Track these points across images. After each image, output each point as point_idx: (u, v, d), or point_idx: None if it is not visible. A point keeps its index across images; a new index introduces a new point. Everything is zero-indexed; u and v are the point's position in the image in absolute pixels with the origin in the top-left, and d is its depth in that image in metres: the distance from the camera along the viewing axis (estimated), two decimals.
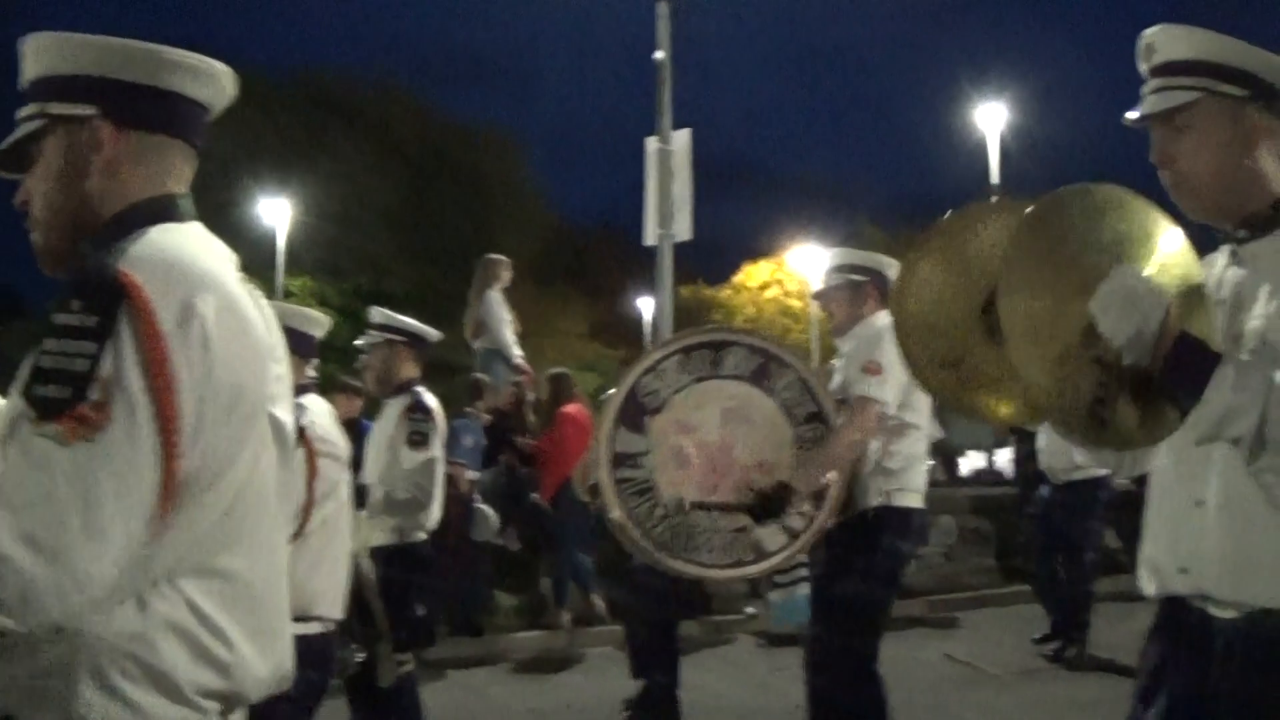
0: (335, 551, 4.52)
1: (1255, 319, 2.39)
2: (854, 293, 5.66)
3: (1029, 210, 2.34)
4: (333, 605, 4.48)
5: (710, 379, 5.21)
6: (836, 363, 5.58)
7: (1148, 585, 2.56)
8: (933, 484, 6.12)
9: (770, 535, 5.13)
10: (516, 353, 11.58)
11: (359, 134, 34.63)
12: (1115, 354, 2.27)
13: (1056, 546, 8.44)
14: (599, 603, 10.17)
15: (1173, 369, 2.24)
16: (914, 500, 5.43)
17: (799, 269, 37.58)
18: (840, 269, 5.75)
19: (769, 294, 41.70)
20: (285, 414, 2.00)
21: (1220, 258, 2.58)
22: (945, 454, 19.58)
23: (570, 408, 10.33)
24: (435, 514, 5.92)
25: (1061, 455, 7.59)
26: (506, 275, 11.81)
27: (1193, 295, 2.43)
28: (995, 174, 28.10)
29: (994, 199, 2.59)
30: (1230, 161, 2.48)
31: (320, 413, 4.61)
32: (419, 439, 5.80)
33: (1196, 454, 2.37)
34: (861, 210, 42.73)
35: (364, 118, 35.20)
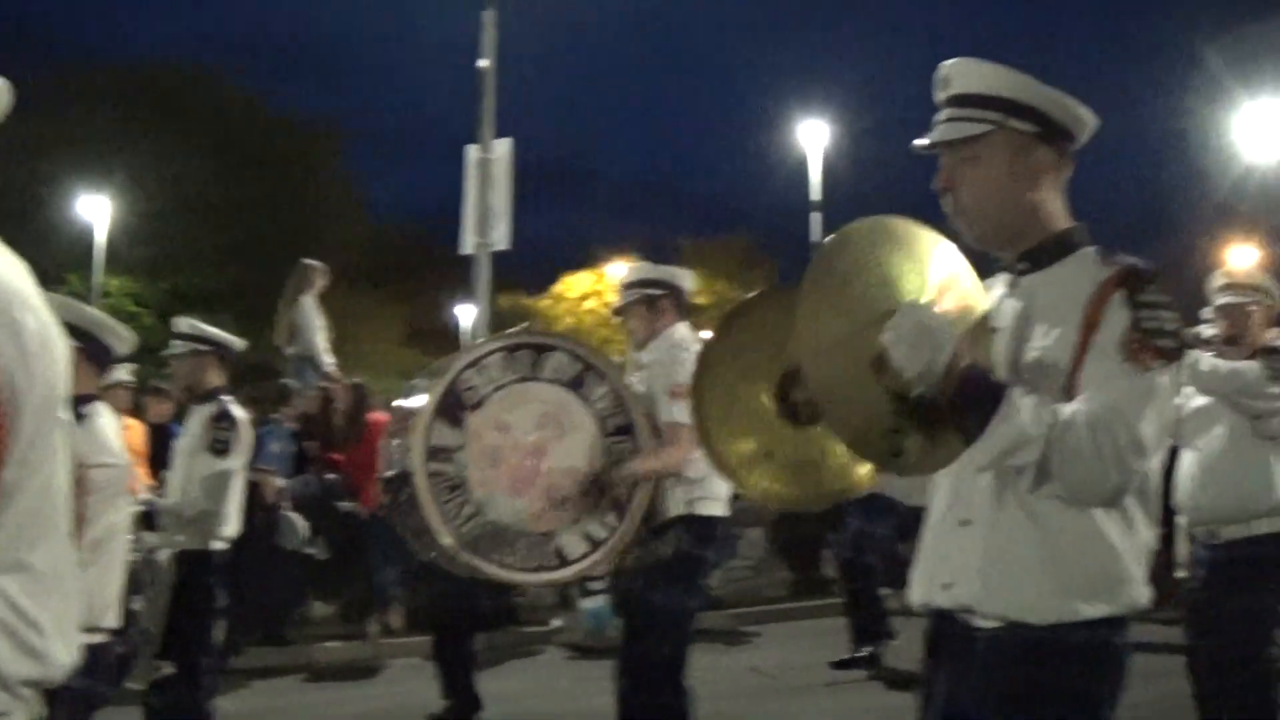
0: (111, 561, 4.53)
1: (1033, 350, 2.49)
2: (650, 307, 5.75)
3: (820, 252, 2.43)
4: (106, 614, 4.48)
5: (530, 380, 5.24)
6: (635, 376, 5.62)
7: (916, 598, 2.68)
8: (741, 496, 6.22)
9: (573, 542, 5.18)
10: (328, 360, 11.42)
11: (180, 127, 33.68)
12: (907, 385, 2.33)
13: (856, 559, 8.61)
14: (397, 615, 10.15)
15: (962, 399, 2.33)
16: (716, 508, 5.51)
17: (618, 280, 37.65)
18: (636, 284, 5.85)
19: (588, 305, 41.70)
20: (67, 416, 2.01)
21: (998, 286, 2.68)
22: None
23: (379, 415, 10.24)
24: (233, 523, 5.89)
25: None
26: (321, 282, 11.68)
27: (977, 324, 2.52)
28: (816, 191, 28.69)
29: (757, 292, 2.75)
30: (1014, 194, 2.58)
31: (102, 425, 4.58)
32: (221, 447, 5.80)
33: (966, 476, 2.49)
34: (684, 222, 43.14)
35: (186, 111, 34.27)
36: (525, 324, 6.12)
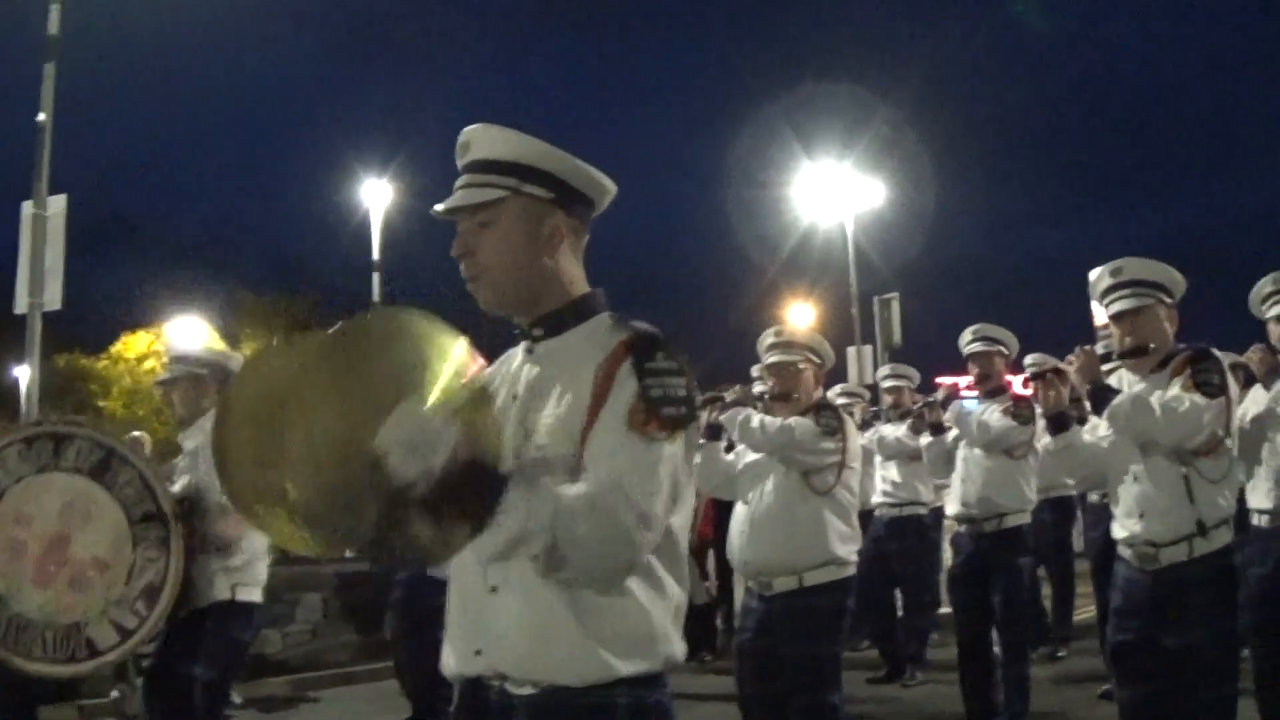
0: None
1: (546, 419, 2.48)
2: (195, 385, 5.72)
3: (325, 337, 2.36)
4: None
5: (52, 470, 5.13)
6: (180, 461, 5.60)
7: (448, 666, 2.61)
8: (298, 561, 6.31)
9: (103, 633, 5.12)
10: None
11: None
12: (404, 487, 2.18)
13: (411, 628, 8.16)
14: None
15: (463, 491, 2.20)
16: (255, 595, 5.59)
17: (184, 341, 36.57)
18: (181, 359, 5.82)
19: (147, 365, 40.12)
20: None
21: (519, 353, 2.69)
22: None
23: None
24: None
25: None
26: None
27: (481, 403, 2.40)
28: (376, 251, 28.80)
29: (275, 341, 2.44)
30: (528, 259, 2.58)
31: None
32: None
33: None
34: (245, 280, 42.18)
35: None
36: (38, 417, 6.02)
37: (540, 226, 2.59)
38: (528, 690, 2.45)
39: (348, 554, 2.53)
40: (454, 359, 2.41)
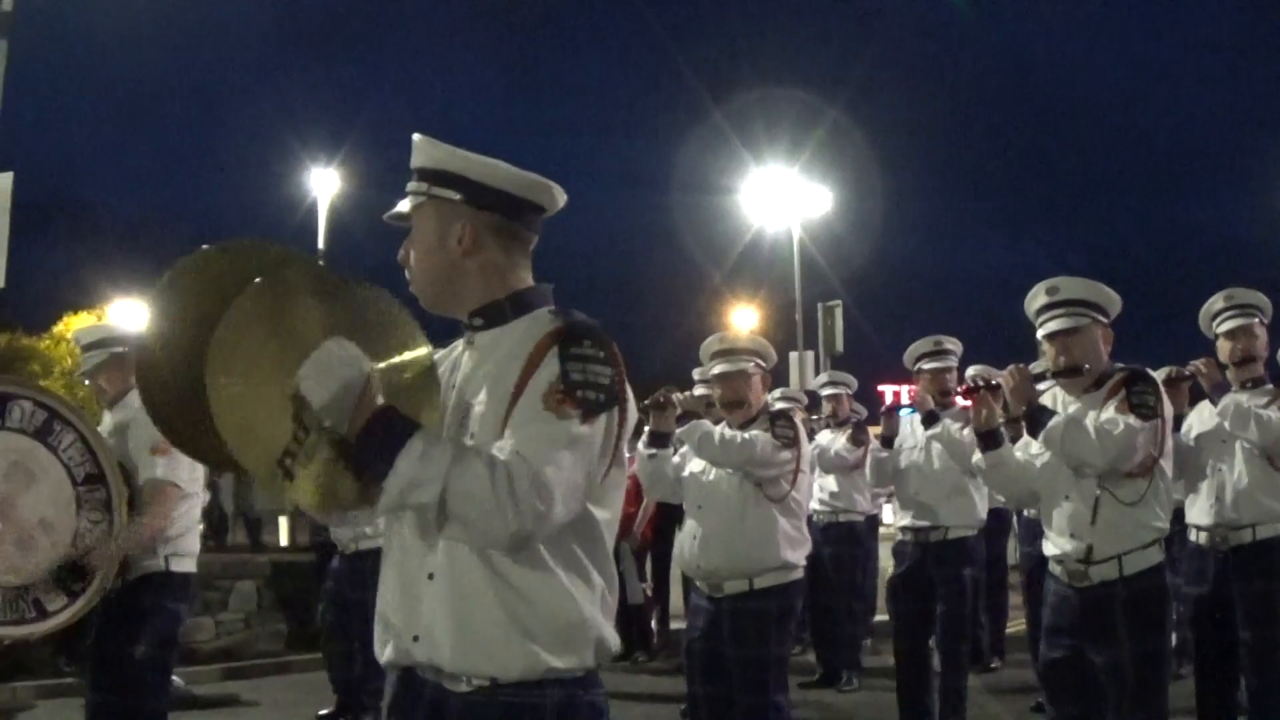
0: None
1: (479, 405, 2.55)
2: (118, 363, 5.76)
3: (258, 283, 2.43)
4: None
5: None
6: (110, 439, 5.55)
7: (381, 653, 2.63)
8: (234, 549, 6.30)
9: (51, 596, 5.11)
10: None
11: None
12: (316, 417, 2.38)
13: (343, 619, 8.17)
14: None
15: (367, 438, 2.37)
16: (189, 565, 5.61)
17: (122, 321, 36.18)
18: (96, 345, 5.84)
19: None
20: None
21: (460, 344, 2.76)
22: (249, 521, 19.40)
23: None
24: None
25: (349, 527, 7.61)
26: None
27: (422, 378, 2.61)
28: (322, 239, 28.74)
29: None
30: (444, 261, 2.67)
31: None
32: None
33: (428, 526, 2.48)
34: None
35: None
36: None
37: (450, 229, 2.66)
38: (461, 687, 2.48)
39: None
40: (411, 339, 2.61)
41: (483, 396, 2.55)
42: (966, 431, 6.93)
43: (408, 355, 2.62)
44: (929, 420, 7.20)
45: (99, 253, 41.50)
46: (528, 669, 2.44)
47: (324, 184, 29.42)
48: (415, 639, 2.53)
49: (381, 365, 2.51)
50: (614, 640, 2.58)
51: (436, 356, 2.75)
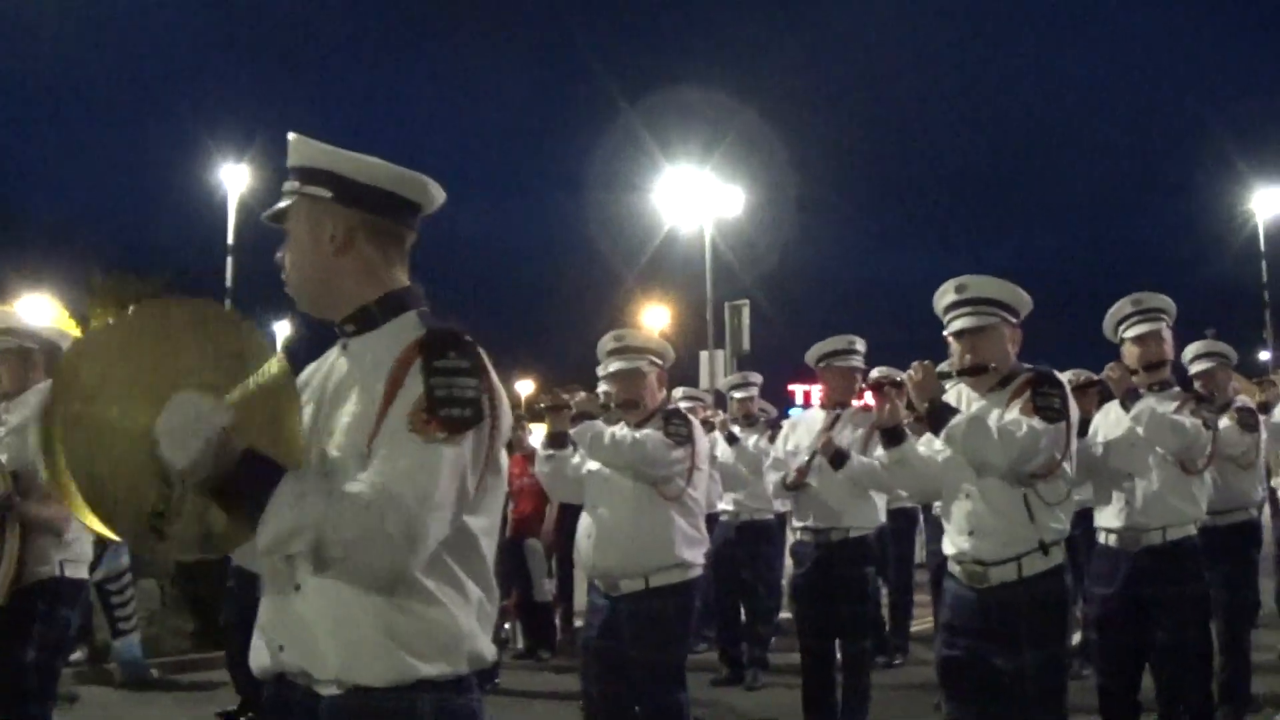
0: None
1: (344, 416, 2.48)
2: (23, 358, 5.66)
3: (114, 323, 2.43)
4: None
5: None
6: (5, 437, 5.51)
7: (255, 662, 2.63)
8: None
9: None
10: None
11: None
12: (180, 475, 2.29)
13: (246, 617, 7.96)
14: None
15: (238, 485, 2.30)
16: (82, 571, 5.56)
17: (29, 318, 35.47)
18: (10, 332, 5.75)
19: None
20: None
21: (335, 350, 2.70)
22: None
23: None
24: None
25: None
26: None
27: (283, 403, 2.50)
28: (231, 234, 28.68)
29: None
30: (316, 259, 2.62)
31: None
32: None
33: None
34: (100, 262, 41.17)
35: None
36: None
37: (321, 226, 2.62)
38: (331, 691, 2.45)
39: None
40: (258, 357, 2.49)
41: (350, 407, 2.49)
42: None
43: (264, 375, 2.51)
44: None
45: (8, 250, 40.69)
46: (399, 677, 2.41)
47: (234, 179, 29.28)
48: (281, 648, 2.52)
49: (236, 395, 2.43)
50: (489, 651, 2.57)
51: (311, 367, 2.73)
